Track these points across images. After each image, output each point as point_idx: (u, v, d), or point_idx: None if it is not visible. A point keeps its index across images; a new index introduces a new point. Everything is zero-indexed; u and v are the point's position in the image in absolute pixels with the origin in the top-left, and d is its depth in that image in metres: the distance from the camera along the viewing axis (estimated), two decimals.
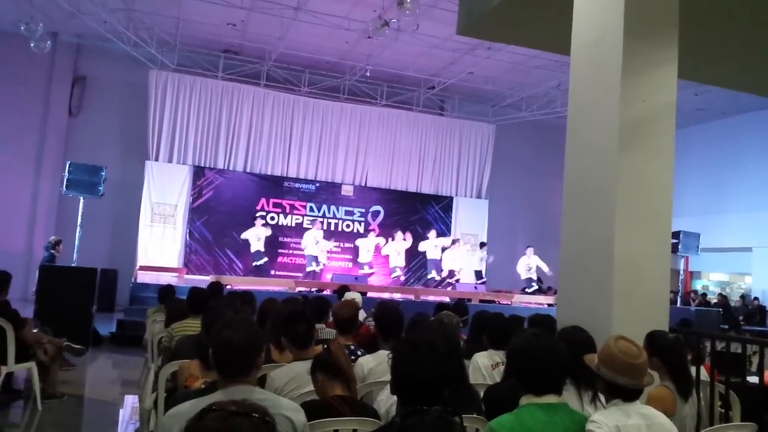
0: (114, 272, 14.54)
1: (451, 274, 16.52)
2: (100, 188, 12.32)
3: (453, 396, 2.69)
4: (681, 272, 17.26)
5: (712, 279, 23.11)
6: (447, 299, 13.75)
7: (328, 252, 16.53)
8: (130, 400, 7.43)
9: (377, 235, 17.02)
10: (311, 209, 18.02)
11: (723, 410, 4.31)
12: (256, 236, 15.72)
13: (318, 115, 18.20)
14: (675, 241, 14.85)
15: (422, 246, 16.96)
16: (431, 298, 14.51)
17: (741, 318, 16.31)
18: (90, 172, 12.31)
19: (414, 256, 17.60)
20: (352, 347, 4.40)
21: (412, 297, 14.57)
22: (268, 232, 16.08)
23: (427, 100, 19.26)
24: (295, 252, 17.54)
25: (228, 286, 11.11)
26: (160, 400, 4.14)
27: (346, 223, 18.38)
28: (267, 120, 17.67)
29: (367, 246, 16.54)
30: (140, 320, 9.75)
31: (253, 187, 17.59)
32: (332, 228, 17.78)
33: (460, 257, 16.76)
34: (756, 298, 18.65)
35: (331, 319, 5.25)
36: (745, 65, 6.83)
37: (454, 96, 19.50)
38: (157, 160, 16.58)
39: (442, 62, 16.50)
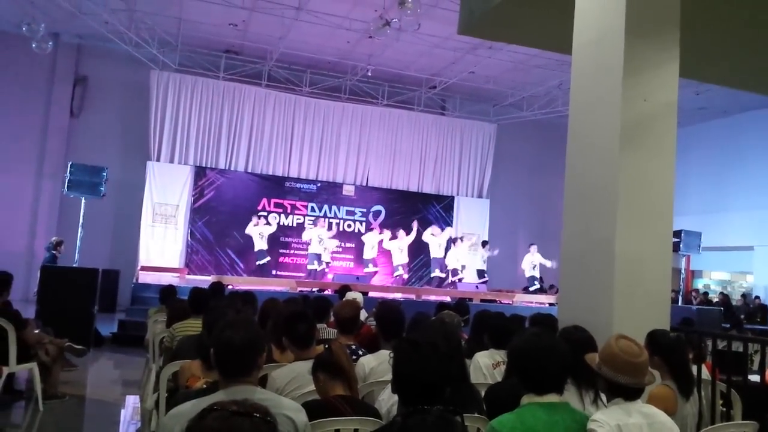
0: (115, 272, 14.55)
1: (454, 272, 16.55)
2: (102, 189, 12.32)
3: (454, 395, 2.69)
4: (682, 271, 17.23)
5: (713, 278, 23.09)
6: (448, 299, 13.77)
7: (331, 252, 16.53)
8: (132, 401, 7.43)
9: (380, 233, 16.98)
10: (312, 209, 18.02)
11: (724, 409, 4.31)
12: (258, 233, 15.73)
13: (319, 115, 18.20)
14: (676, 240, 14.84)
15: (425, 236, 16.94)
16: (432, 297, 14.51)
17: (742, 317, 16.30)
18: (91, 173, 12.31)
19: (416, 254, 17.61)
20: (354, 347, 4.40)
21: (413, 297, 14.57)
22: (272, 228, 16.10)
23: (428, 99, 19.25)
24: (296, 252, 17.55)
25: (229, 287, 11.11)
26: (162, 401, 4.14)
27: (348, 222, 18.37)
28: (268, 120, 17.67)
29: (371, 242, 16.54)
30: (141, 320, 9.77)
31: (255, 187, 17.60)
32: (333, 228, 17.76)
33: (463, 255, 16.78)
34: (757, 297, 18.63)
35: (332, 318, 5.26)
36: (746, 64, 6.83)
37: (456, 95, 19.49)
38: (158, 160, 16.58)
39: (444, 62, 16.49)
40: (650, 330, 3.82)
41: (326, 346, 3.44)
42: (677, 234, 14.76)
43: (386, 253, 16.97)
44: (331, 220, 17.78)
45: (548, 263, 15.97)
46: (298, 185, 18.02)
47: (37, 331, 6.99)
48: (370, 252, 16.51)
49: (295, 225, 17.79)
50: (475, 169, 19.87)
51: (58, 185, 15.09)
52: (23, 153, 16.23)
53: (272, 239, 16.31)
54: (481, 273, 17.02)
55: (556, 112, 17.74)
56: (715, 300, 19.13)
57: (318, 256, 15.71)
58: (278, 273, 16.95)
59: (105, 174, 12.38)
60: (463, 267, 16.75)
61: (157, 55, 15.67)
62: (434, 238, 16.92)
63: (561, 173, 4.89)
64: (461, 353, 3.59)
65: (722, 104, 18.00)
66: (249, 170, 17.58)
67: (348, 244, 18.02)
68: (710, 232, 17.01)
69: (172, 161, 16.73)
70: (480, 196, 19.91)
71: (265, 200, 17.61)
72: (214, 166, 17.22)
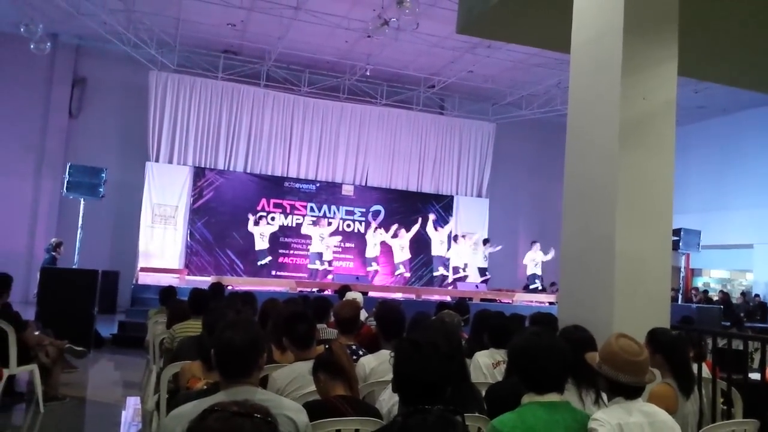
0: (115, 274, 14.54)
1: (456, 270, 16.58)
2: (101, 190, 12.31)
3: (455, 395, 2.69)
4: (682, 269, 17.26)
5: (713, 276, 23.11)
6: (448, 298, 13.77)
7: (333, 250, 16.53)
8: (132, 402, 7.43)
9: (382, 231, 16.96)
10: (312, 209, 18.01)
11: (725, 407, 4.31)
12: (260, 233, 15.73)
13: (318, 114, 18.20)
14: (676, 238, 14.85)
15: (429, 229, 16.98)
16: (432, 297, 14.51)
17: (742, 315, 16.30)
18: (90, 174, 12.30)
19: (417, 253, 17.62)
20: (354, 347, 4.40)
21: (413, 296, 14.57)
22: (273, 229, 16.08)
23: (427, 99, 19.25)
24: (296, 252, 17.56)
25: (229, 287, 11.11)
26: (162, 402, 4.14)
27: (347, 222, 18.36)
28: (267, 120, 17.67)
29: (374, 240, 16.54)
30: (142, 322, 9.75)
31: (254, 188, 17.60)
32: (333, 225, 17.74)
33: (465, 253, 16.82)
34: (757, 295, 18.64)
35: (332, 319, 5.26)
36: (745, 62, 6.83)
37: (454, 95, 19.49)
38: (157, 161, 16.58)
39: (442, 61, 16.50)
40: (650, 328, 3.82)
41: (326, 346, 3.45)
42: (677, 232, 14.77)
43: (388, 253, 16.95)
44: (330, 220, 17.76)
45: (548, 257, 16.04)
46: (297, 185, 18.02)
47: (37, 333, 6.98)
48: (372, 250, 16.51)
49: (294, 225, 17.78)
50: (474, 169, 19.87)
51: (57, 186, 15.10)
52: (22, 154, 16.22)
53: (272, 239, 16.30)
54: (482, 271, 17.04)
55: (555, 111, 17.75)
56: (716, 298, 19.13)
57: (320, 255, 15.68)
58: (278, 273, 16.94)
59: (104, 175, 12.38)
60: (466, 265, 16.79)
61: (156, 56, 15.67)
62: (436, 234, 16.96)
63: (560, 172, 4.89)
64: (462, 353, 3.59)
65: (721, 102, 18.00)
66: (248, 170, 17.58)
67: (348, 244, 18.02)
68: (710, 230, 17.03)
69: (171, 162, 16.73)
70: (479, 195, 19.92)
71: (264, 200, 17.61)
72: (213, 167, 17.22)
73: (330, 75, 17.98)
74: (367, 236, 17.02)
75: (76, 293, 10.19)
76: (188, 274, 15.83)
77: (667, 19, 4.47)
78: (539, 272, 16.71)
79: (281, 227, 17.38)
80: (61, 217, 15.95)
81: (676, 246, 14.82)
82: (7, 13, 14.45)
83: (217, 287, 7.58)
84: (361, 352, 4.33)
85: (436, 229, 17.26)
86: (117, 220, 16.47)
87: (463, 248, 16.80)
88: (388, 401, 3.20)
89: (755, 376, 4.91)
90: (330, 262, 16.37)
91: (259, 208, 17.42)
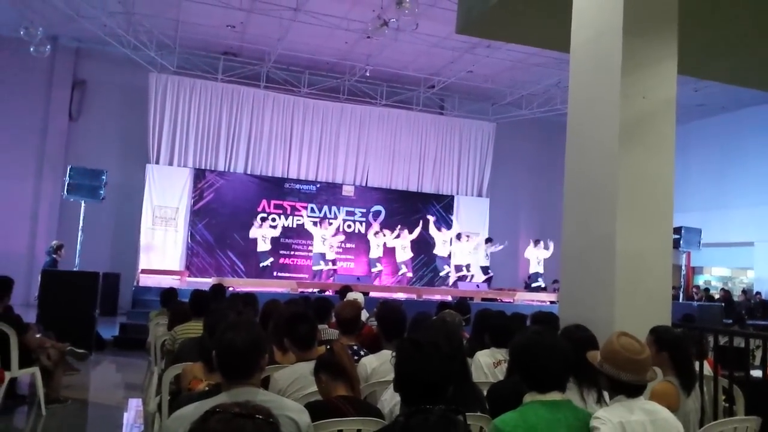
0: (116, 276, 14.54)
1: (458, 268, 16.59)
2: (101, 192, 12.32)
3: (457, 395, 2.69)
4: (683, 268, 17.25)
5: (714, 274, 23.10)
6: (449, 298, 13.77)
7: (336, 252, 16.52)
8: (134, 404, 7.43)
9: (383, 233, 16.96)
10: (312, 210, 18.02)
11: (727, 404, 4.31)
12: (262, 236, 15.72)
13: (318, 115, 18.20)
14: (677, 236, 14.87)
15: (431, 229, 16.98)
16: (434, 297, 14.50)
17: (743, 312, 16.29)
18: (91, 176, 12.31)
19: (419, 252, 17.62)
20: (355, 347, 4.40)
21: (414, 296, 14.56)
22: (275, 233, 16.07)
23: (426, 99, 19.25)
24: (297, 253, 17.56)
25: (230, 288, 11.10)
26: (164, 403, 4.14)
27: (348, 223, 18.36)
28: (267, 121, 17.68)
29: (377, 241, 16.55)
30: (143, 324, 9.76)
31: (254, 189, 17.60)
32: (334, 226, 17.73)
33: (467, 252, 16.82)
34: (758, 293, 18.64)
35: (333, 319, 5.26)
36: (745, 60, 6.83)
37: (454, 95, 19.50)
38: (157, 163, 16.59)
39: (442, 61, 16.50)
40: (652, 327, 3.82)
41: (328, 346, 3.45)
42: (677, 231, 14.78)
43: (390, 253, 16.95)
44: (331, 221, 17.76)
45: (548, 252, 16.11)
46: (297, 186, 18.03)
47: (38, 336, 6.98)
48: (376, 251, 16.51)
49: (295, 226, 17.79)
50: (475, 168, 19.88)
51: (57, 189, 15.11)
52: (23, 157, 16.23)
53: (274, 241, 16.28)
54: (485, 269, 17.05)
55: (555, 111, 17.76)
56: (717, 296, 19.13)
57: (323, 255, 15.68)
58: (279, 274, 16.94)
59: (104, 177, 12.38)
60: (469, 266, 16.80)
61: (156, 58, 15.66)
62: (440, 234, 16.97)
63: (561, 171, 4.89)
64: (463, 352, 3.59)
65: (721, 101, 18.01)
66: (248, 172, 17.58)
67: (349, 245, 18.02)
68: (711, 228, 17.04)
69: (171, 164, 16.74)
70: (480, 195, 19.92)
71: (264, 202, 17.62)
72: (213, 168, 17.23)
73: (330, 76, 17.99)
74: (368, 236, 17.01)
75: (78, 295, 10.18)
76: (189, 276, 15.85)
77: (667, 18, 4.47)
78: (542, 270, 16.74)
79: (282, 228, 17.32)
80: (62, 220, 15.96)
81: (676, 244, 14.84)
82: (6, 17, 14.46)
83: (218, 288, 7.58)
84: (362, 353, 4.33)
85: (439, 230, 17.25)
86: (117, 222, 16.47)
87: (465, 247, 16.81)
88: (389, 401, 3.20)
89: (757, 373, 4.91)
90: (334, 262, 16.36)
91: (259, 209, 17.44)
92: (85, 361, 8.13)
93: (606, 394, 3.04)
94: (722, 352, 4.59)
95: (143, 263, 15.81)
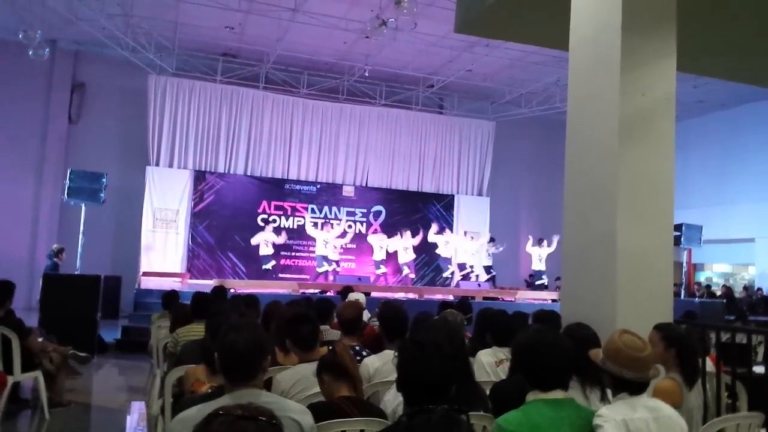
0: (117, 279, 14.53)
1: (462, 267, 16.58)
2: (102, 195, 12.32)
3: (459, 394, 2.69)
4: (684, 264, 17.25)
5: (715, 270, 23.09)
6: (451, 297, 13.77)
7: (340, 253, 16.52)
8: (137, 407, 7.43)
9: (384, 235, 16.96)
10: (313, 211, 18.03)
11: (730, 401, 4.31)
12: (264, 241, 15.70)
13: (317, 116, 18.20)
14: (677, 233, 14.87)
15: (431, 236, 16.93)
16: (435, 296, 14.50)
17: (745, 308, 16.29)
18: (91, 179, 12.31)
19: (420, 252, 17.59)
20: (357, 348, 4.41)
21: (415, 296, 14.56)
22: (280, 240, 16.03)
23: (426, 98, 19.25)
24: (298, 254, 17.56)
25: (231, 290, 11.11)
26: (167, 406, 4.14)
27: (348, 223, 18.37)
28: (267, 122, 17.68)
29: (379, 243, 16.53)
30: (145, 326, 9.78)
31: (254, 190, 17.61)
32: (337, 228, 17.72)
33: (472, 252, 16.82)
34: (759, 289, 18.64)
35: (335, 320, 5.26)
36: (744, 56, 6.83)
37: (453, 94, 19.50)
38: (157, 165, 16.59)
39: (441, 60, 16.50)
40: (655, 324, 3.82)
41: (330, 347, 3.45)
42: (678, 227, 14.80)
43: (393, 254, 16.93)
44: (333, 222, 17.77)
45: (552, 248, 16.13)
46: (298, 187, 18.03)
47: (40, 340, 6.98)
48: (379, 253, 16.50)
49: (296, 227, 17.78)
50: (475, 167, 19.88)
51: (58, 192, 15.10)
52: (22, 160, 16.25)
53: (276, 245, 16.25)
54: (488, 269, 17.05)
55: (555, 109, 17.76)
56: (718, 293, 19.13)
57: (325, 257, 15.67)
58: (281, 276, 16.93)
59: (104, 180, 12.38)
60: (472, 266, 16.80)
61: (155, 60, 15.67)
62: (442, 237, 16.94)
63: (561, 169, 4.89)
64: (465, 352, 3.59)
65: (721, 97, 18.01)
66: (248, 173, 17.59)
67: (349, 245, 18.00)
68: (712, 224, 17.04)
69: (171, 166, 16.74)
70: (480, 194, 19.92)
71: (265, 203, 17.62)
72: (213, 170, 17.23)
73: (329, 76, 17.99)
74: (369, 239, 16.99)
75: (79, 299, 10.19)
76: (190, 278, 15.85)
77: (665, 15, 4.46)
78: (544, 268, 16.77)
79: (284, 229, 17.30)
80: (63, 223, 15.96)
81: (677, 241, 14.84)
82: (5, 20, 14.47)
83: (219, 290, 7.58)
84: (364, 353, 4.33)
85: (442, 233, 17.23)
86: (118, 225, 16.47)
87: (469, 246, 16.80)
88: (392, 401, 3.20)
89: (759, 369, 4.90)
90: (337, 263, 16.34)
91: (260, 210, 17.46)
92: (88, 364, 8.13)
93: (609, 392, 3.04)
94: (724, 348, 4.58)
95: (144, 266, 15.81)
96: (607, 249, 4.19)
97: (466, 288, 15.22)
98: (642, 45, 4.34)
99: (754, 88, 10.84)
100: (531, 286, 17.20)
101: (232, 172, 17.42)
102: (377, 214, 18.67)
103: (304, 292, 12.66)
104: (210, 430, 1.69)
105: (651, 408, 2.73)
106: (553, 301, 14.06)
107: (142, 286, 13.40)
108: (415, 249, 16.93)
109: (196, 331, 5.14)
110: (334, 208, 18.28)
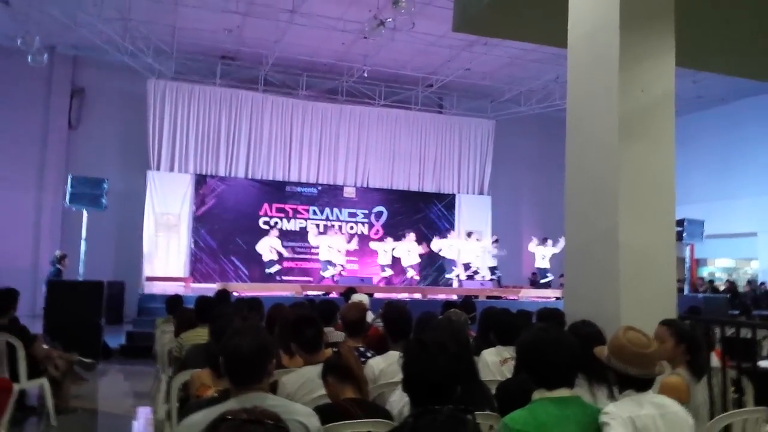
0: (121, 284, 14.54)
1: (467, 266, 16.57)
2: (103, 200, 12.31)
3: (465, 394, 2.69)
4: (687, 260, 17.24)
5: (718, 265, 23.06)
6: (454, 297, 13.76)
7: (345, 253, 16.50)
8: (143, 412, 7.44)
9: (388, 239, 16.95)
10: (314, 213, 18.04)
11: (736, 396, 4.31)
12: (269, 247, 15.68)
13: (317, 117, 18.19)
14: (679, 229, 14.84)
15: (435, 245, 16.88)
16: (438, 296, 14.49)
17: (749, 303, 16.28)
18: (92, 185, 12.29)
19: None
20: (362, 349, 4.40)
21: (419, 296, 14.56)
22: (285, 253, 15.99)
23: (425, 98, 19.23)
24: (300, 257, 17.55)
25: (235, 293, 11.11)
26: (173, 411, 4.14)
27: (350, 225, 18.38)
28: (266, 125, 17.67)
29: (384, 247, 16.51)
30: (149, 331, 9.77)
31: (256, 193, 17.61)
32: (338, 229, 17.72)
33: (476, 254, 16.80)
34: (763, 283, 18.62)
35: (339, 322, 5.26)
36: (743, 50, 6.83)
37: (453, 93, 19.49)
38: (158, 169, 16.59)
39: (439, 60, 16.48)
40: (661, 320, 3.82)
41: (335, 349, 3.45)
42: (680, 223, 14.76)
43: (397, 258, 16.89)
44: (333, 223, 17.77)
45: (557, 248, 16.14)
46: (298, 189, 18.03)
47: (45, 347, 6.99)
48: (384, 257, 16.49)
49: (298, 229, 17.78)
50: (475, 166, 19.87)
51: (59, 198, 15.11)
52: (23, 167, 16.25)
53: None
54: (492, 270, 17.04)
55: (554, 106, 17.74)
56: (722, 288, 19.11)
57: (330, 261, 15.65)
58: (284, 278, 16.93)
59: (106, 185, 12.37)
60: (478, 269, 16.79)
61: (153, 64, 15.67)
62: (445, 241, 16.88)
63: (561, 166, 4.89)
64: (470, 351, 3.59)
65: (720, 92, 18.00)
66: (249, 176, 17.59)
67: (350, 244, 17.98)
68: (714, 219, 17.03)
69: (172, 170, 16.74)
70: (481, 192, 19.91)
71: (266, 206, 17.62)
72: (214, 174, 17.22)
73: (328, 77, 17.99)
74: (372, 246, 16.94)
75: (83, 305, 10.21)
76: (193, 282, 15.87)
77: (663, 11, 4.47)
78: (548, 266, 16.77)
79: (285, 232, 17.28)
80: (65, 229, 15.97)
81: (679, 237, 14.81)
82: (3, 27, 14.47)
83: (223, 294, 7.58)
84: (369, 354, 4.33)
85: (446, 236, 17.18)
86: (120, 230, 16.46)
87: (473, 247, 16.79)
88: (398, 402, 3.20)
89: (765, 363, 4.90)
90: (343, 266, 16.31)
91: (261, 213, 17.46)
92: (93, 370, 8.15)
93: (616, 390, 3.04)
94: (729, 343, 4.58)
95: (147, 271, 15.82)
96: (609, 246, 4.19)
97: (470, 287, 15.21)
98: (640, 41, 4.35)
99: (753, 82, 10.84)
100: (535, 284, 17.19)
101: (232, 175, 17.43)
102: (379, 214, 18.67)
103: (307, 294, 12.66)
104: None
105: (657, 404, 2.73)
106: (557, 299, 14.07)
107: (146, 291, 13.41)
108: (420, 254, 16.85)
109: (200, 335, 5.15)
110: (336, 210, 18.29)
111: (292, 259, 17.41)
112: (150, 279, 14.81)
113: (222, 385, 3.26)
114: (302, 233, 17.41)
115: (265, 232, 16.18)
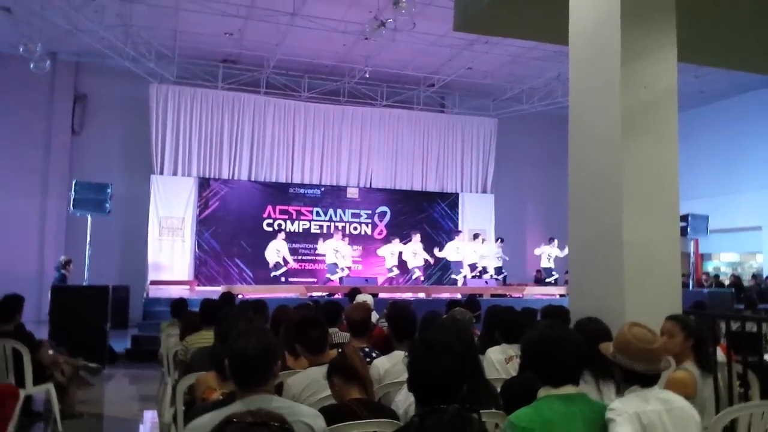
0: (125, 288, 14.53)
1: (473, 267, 16.56)
2: (107, 205, 12.33)
3: (470, 392, 2.69)
4: (691, 255, 17.21)
5: (722, 260, 23.02)
6: (458, 296, 13.75)
7: (351, 257, 16.49)
8: (149, 416, 7.45)
9: (391, 240, 16.95)
10: (318, 214, 18.05)
11: (742, 390, 4.30)
12: (275, 250, 15.68)
13: (319, 119, 18.21)
14: (683, 224, 14.83)
15: (442, 253, 16.75)
16: (443, 295, 14.48)
17: (754, 297, 16.23)
18: (96, 190, 12.32)
19: (427, 251, 17.55)
20: (367, 349, 4.40)
21: (423, 295, 14.55)
22: (290, 262, 16.01)
23: (427, 98, 19.25)
24: (305, 258, 17.57)
25: (239, 296, 11.12)
26: (179, 414, 4.14)
27: (354, 225, 18.39)
28: (269, 127, 17.69)
29: (390, 250, 16.49)
30: (154, 335, 9.79)
31: (259, 195, 17.63)
32: (341, 231, 17.72)
33: (481, 255, 16.77)
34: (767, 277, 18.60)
35: (344, 322, 5.26)
36: (745, 44, 6.81)
37: (454, 92, 19.49)
38: (161, 173, 16.62)
39: (441, 59, 16.48)
40: (668, 315, 3.81)
41: (339, 350, 3.45)
42: (684, 218, 14.75)
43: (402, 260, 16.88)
44: (336, 224, 17.77)
45: (564, 253, 16.12)
46: (302, 191, 18.05)
47: (51, 352, 6.99)
48: (390, 259, 16.47)
49: (301, 231, 17.80)
50: (478, 165, 19.87)
51: (63, 204, 15.15)
52: (27, 173, 16.29)
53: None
54: (498, 270, 17.02)
55: (557, 104, 17.73)
56: (727, 282, 19.07)
57: (336, 264, 15.65)
58: (289, 279, 16.92)
59: (109, 190, 12.39)
60: (485, 269, 16.76)
61: (155, 69, 15.69)
62: (451, 244, 16.80)
63: (565, 164, 4.88)
64: (475, 350, 3.58)
65: (722, 87, 17.97)
66: (252, 179, 17.61)
67: (355, 247, 18.00)
68: (719, 214, 17.02)
69: (175, 174, 16.77)
70: (484, 191, 19.90)
71: (270, 208, 17.64)
72: (217, 177, 17.26)
73: (329, 79, 18.00)
74: (378, 252, 16.91)
75: (88, 310, 10.20)
76: (198, 285, 15.89)
77: (665, 5, 4.46)
78: (553, 265, 16.75)
79: (289, 233, 17.27)
80: (69, 235, 15.99)
81: (684, 232, 14.80)
82: (5, 34, 14.52)
83: (227, 297, 7.59)
84: (374, 354, 4.33)
85: (452, 239, 17.16)
86: (124, 234, 16.51)
87: (479, 249, 16.76)
88: (404, 402, 3.20)
89: None
90: (349, 268, 16.29)
91: (265, 215, 17.48)
92: (99, 375, 8.16)
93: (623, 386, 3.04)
94: (735, 337, 4.57)
95: (152, 275, 15.85)
96: (613, 242, 4.18)
97: (474, 286, 15.20)
98: (642, 37, 4.34)
99: (755, 76, 10.83)
100: (540, 282, 17.17)
101: (236, 178, 17.45)
102: (382, 214, 18.67)
103: (311, 296, 12.67)
104: None
105: (663, 400, 2.72)
106: (561, 296, 14.05)
107: (151, 295, 13.42)
108: (427, 261, 16.80)
109: (205, 338, 5.14)
110: (339, 211, 18.29)
111: (297, 260, 17.42)
112: (155, 283, 14.83)
113: (228, 387, 3.27)
114: (306, 235, 17.43)
115: (269, 234, 16.18)
